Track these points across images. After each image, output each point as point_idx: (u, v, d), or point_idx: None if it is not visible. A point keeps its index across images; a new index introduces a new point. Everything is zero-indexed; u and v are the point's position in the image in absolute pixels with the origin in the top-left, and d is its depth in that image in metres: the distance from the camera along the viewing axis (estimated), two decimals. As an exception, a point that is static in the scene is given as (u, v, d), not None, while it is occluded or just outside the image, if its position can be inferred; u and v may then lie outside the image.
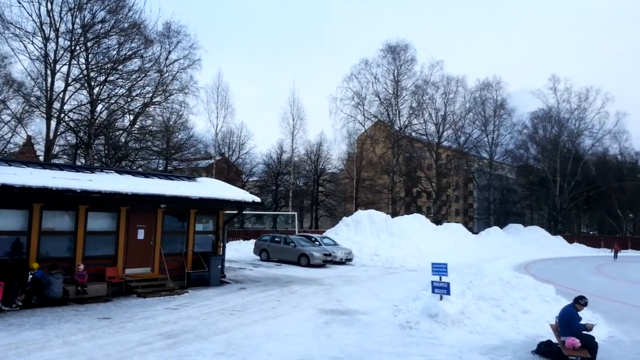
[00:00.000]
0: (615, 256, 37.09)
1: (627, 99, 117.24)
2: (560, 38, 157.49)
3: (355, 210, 40.53)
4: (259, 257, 25.27)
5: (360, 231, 29.79)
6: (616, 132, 56.24)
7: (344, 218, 32.84)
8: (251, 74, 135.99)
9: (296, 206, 52.29)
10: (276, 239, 25.16)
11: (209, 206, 16.10)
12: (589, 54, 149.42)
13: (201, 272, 15.48)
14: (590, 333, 7.78)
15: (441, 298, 10.17)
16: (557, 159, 55.01)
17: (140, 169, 32.78)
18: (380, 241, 28.61)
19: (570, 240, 51.27)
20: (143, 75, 34.05)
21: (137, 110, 34.87)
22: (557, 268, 27.32)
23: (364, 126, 53.83)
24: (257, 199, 17.12)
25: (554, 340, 8.21)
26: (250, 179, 56.27)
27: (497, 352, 8.33)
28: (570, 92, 56.39)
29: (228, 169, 50.11)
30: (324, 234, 30.00)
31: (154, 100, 35.33)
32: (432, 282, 10.38)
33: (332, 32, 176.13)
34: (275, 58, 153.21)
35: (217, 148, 48.96)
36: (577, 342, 7.46)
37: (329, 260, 23.30)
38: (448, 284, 10.16)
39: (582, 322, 7.88)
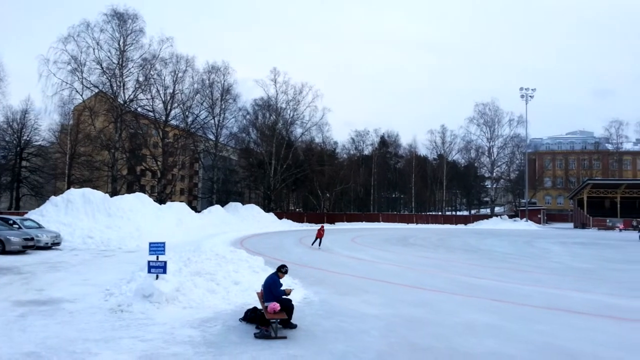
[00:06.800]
0: (317, 242, 26.88)
1: (332, 96, 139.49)
2: (284, 37, 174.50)
3: (68, 188, 36.07)
4: None
5: (73, 212, 26.78)
6: (321, 124, 66.63)
7: (53, 197, 28.94)
8: None
9: (-11, 183, 43.31)
10: (-46, 223, 20.32)
11: None
12: (305, 55, 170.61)
13: None
14: (289, 297, 8.80)
15: (157, 277, 10.12)
16: (273, 144, 61.35)
17: None
18: (96, 222, 26.37)
19: (280, 216, 58.46)
20: None
21: None
22: (268, 241, 30.61)
23: (82, 96, 47.78)
24: None
25: (259, 306, 8.93)
26: None
27: (208, 323, 8.78)
28: (288, 84, 63.49)
29: None
30: (26, 216, 26.02)
31: None
32: (149, 262, 10.20)
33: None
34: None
35: None
36: (277, 306, 8.24)
37: (31, 246, 20.18)
38: (165, 262, 10.15)
39: (283, 288, 8.85)
